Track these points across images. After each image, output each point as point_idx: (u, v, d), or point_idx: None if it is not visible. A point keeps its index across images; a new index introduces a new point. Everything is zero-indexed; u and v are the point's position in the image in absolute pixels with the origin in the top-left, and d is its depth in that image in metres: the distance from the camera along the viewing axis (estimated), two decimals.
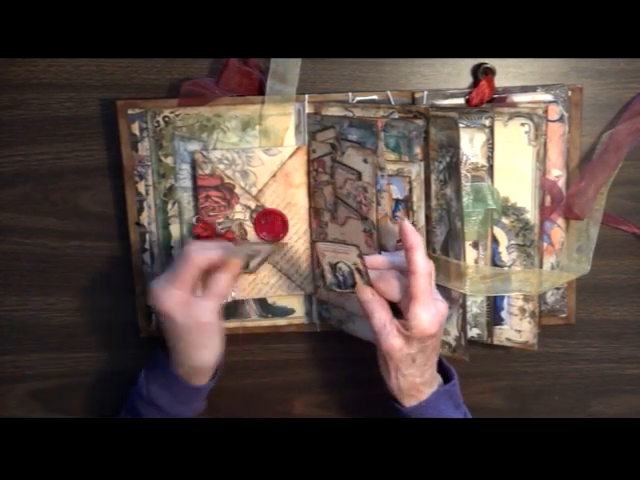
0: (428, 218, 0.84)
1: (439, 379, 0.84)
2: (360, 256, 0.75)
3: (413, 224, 0.84)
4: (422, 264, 0.75)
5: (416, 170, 0.83)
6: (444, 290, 0.85)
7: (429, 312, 0.76)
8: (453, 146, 0.81)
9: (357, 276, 0.77)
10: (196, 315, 0.79)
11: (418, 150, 0.82)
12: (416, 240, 0.75)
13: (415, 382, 0.80)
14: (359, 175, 0.81)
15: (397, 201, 0.85)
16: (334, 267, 0.78)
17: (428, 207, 0.84)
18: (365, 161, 0.81)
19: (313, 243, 0.78)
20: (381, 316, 0.77)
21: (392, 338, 0.77)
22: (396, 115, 0.84)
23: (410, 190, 0.84)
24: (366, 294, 0.78)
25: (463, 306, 0.87)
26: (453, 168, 0.81)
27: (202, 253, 0.78)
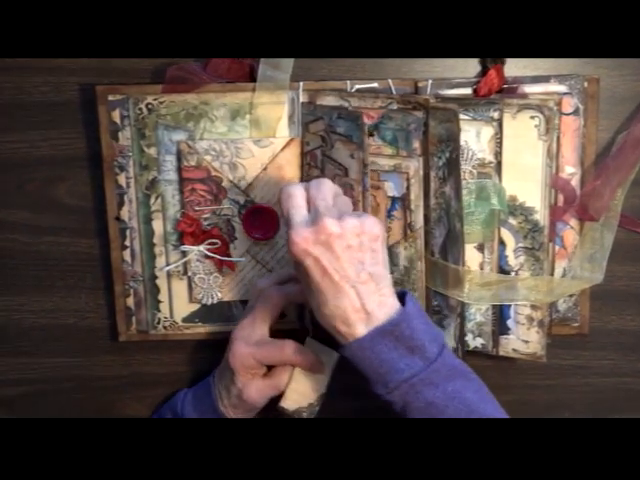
0: (427, 218, 0.84)
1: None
2: None
3: (411, 224, 0.83)
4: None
5: (414, 166, 0.82)
6: (442, 298, 0.85)
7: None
8: (453, 140, 0.80)
9: None
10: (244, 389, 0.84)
11: (417, 144, 0.82)
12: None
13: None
14: (346, 171, 0.81)
15: (393, 199, 0.84)
16: None
17: (427, 206, 0.83)
18: (352, 156, 0.80)
19: None
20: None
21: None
22: (395, 106, 0.83)
23: (408, 187, 0.83)
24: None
25: (461, 315, 0.86)
26: (453, 164, 0.81)
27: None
